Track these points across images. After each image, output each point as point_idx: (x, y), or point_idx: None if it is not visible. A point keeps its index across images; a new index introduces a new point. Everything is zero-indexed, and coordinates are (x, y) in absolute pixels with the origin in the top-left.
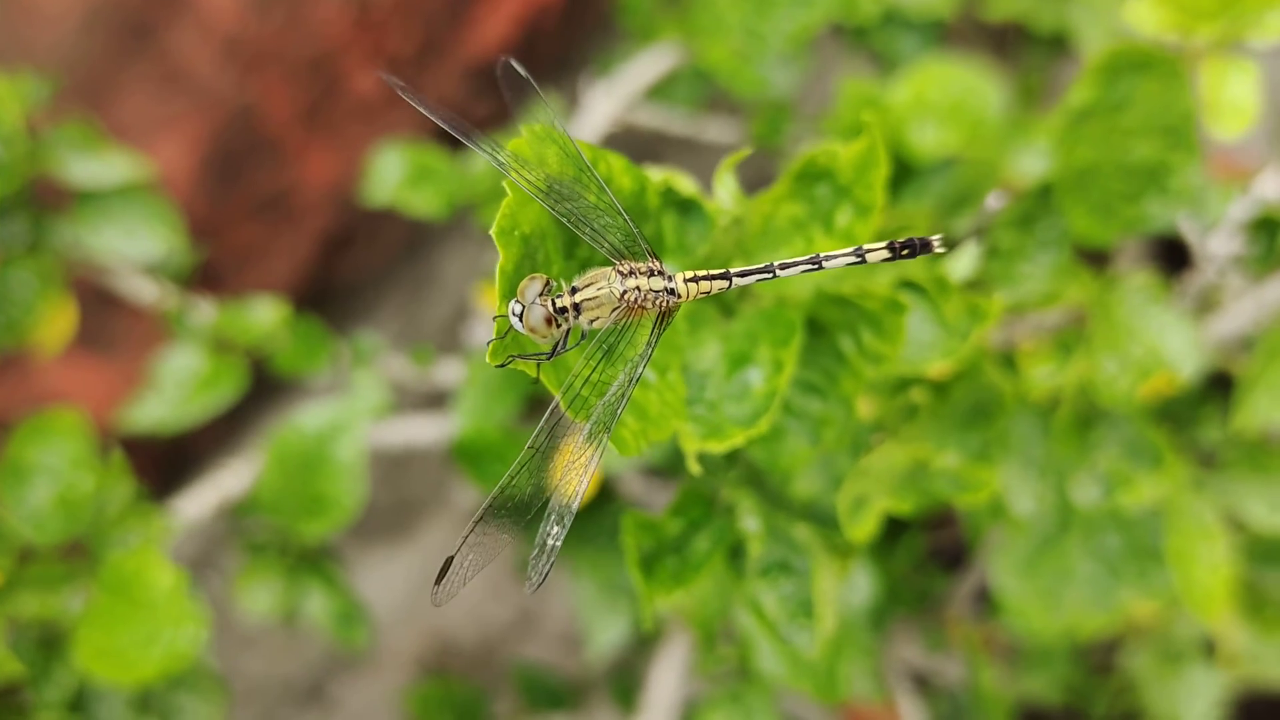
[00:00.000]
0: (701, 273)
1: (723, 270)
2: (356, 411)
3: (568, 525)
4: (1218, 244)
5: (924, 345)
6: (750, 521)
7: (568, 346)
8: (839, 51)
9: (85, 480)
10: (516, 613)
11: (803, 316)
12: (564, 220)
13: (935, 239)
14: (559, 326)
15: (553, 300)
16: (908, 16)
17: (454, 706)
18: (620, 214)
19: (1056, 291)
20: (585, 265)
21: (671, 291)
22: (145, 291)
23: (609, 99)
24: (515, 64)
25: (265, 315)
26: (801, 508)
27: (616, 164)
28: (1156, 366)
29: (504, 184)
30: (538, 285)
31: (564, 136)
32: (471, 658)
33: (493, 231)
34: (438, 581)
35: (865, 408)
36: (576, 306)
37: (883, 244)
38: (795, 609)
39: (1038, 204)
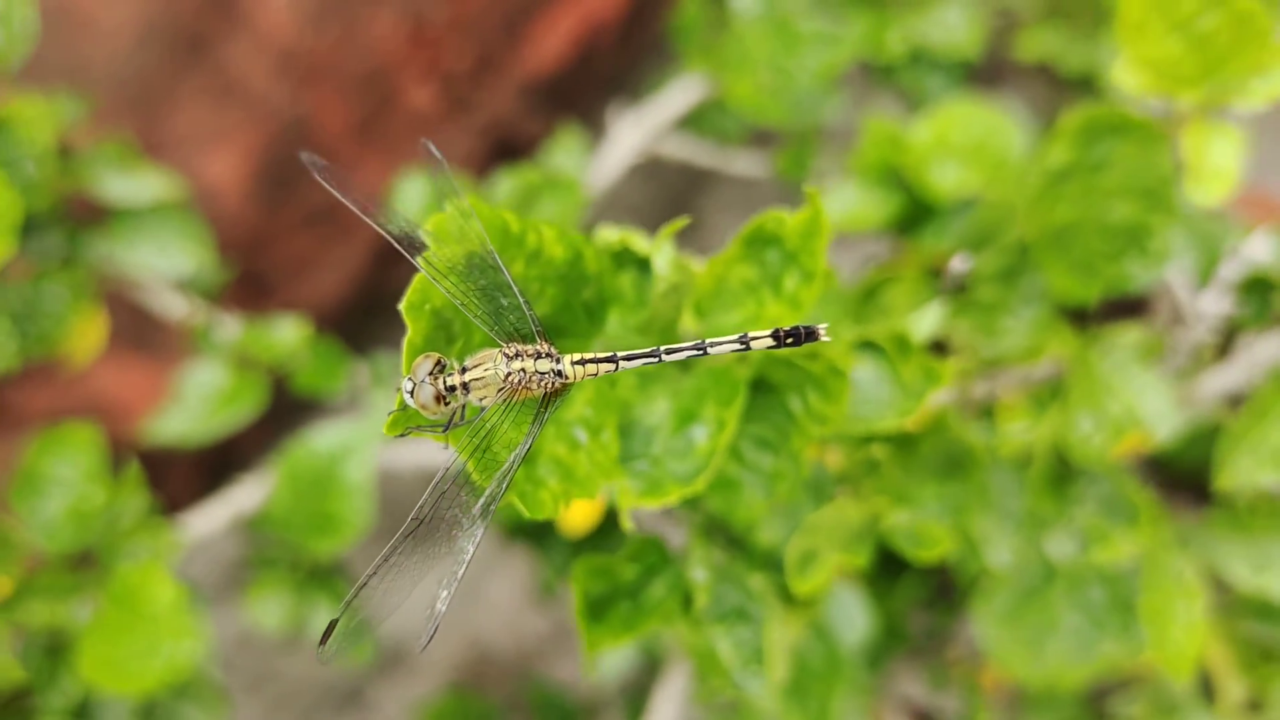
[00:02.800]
0: (589, 355)
1: (609, 354)
2: (367, 433)
3: (454, 590)
4: (1208, 303)
5: (880, 404)
6: (699, 572)
7: (465, 420)
8: (869, 88)
9: (97, 493)
10: (553, 626)
11: (750, 376)
12: (458, 303)
13: (821, 327)
14: (448, 404)
15: (444, 379)
16: (934, 56)
17: None
18: (515, 293)
19: (1038, 345)
20: (509, 338)
21: (559, 373)
22: (175, 306)
23: (636, 129)
24: (431, 146)
25: (288, 334)
26: (762, 556)
27: (549, 233)
28: (1132, 425)
29: (418, 261)
30: (428, 364)
31: (489, 211)
32: (506, 668)
33: (401, 306)
34: (322, 642)
35: (832, 459)
36: (465, 385)
37: (768, 332)
38: (749, 655)
39: (1019, 259)
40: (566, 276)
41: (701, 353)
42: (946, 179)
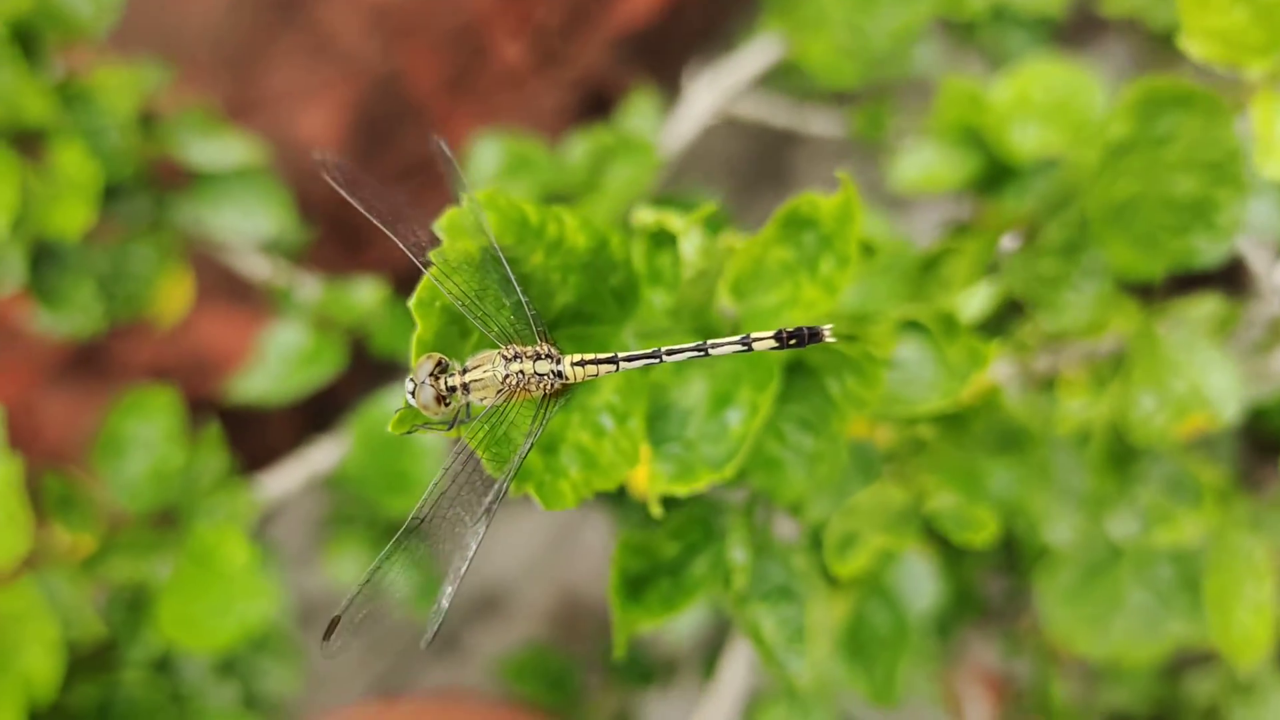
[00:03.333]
0: (589, 356)
1: (610, 355)
2: None
3: (458, 586)
4: None
5: (924, 385)
6: (738, 552)
7: (470, 417)
8: (949, 46)
9: (176, 454)
10: None
11: (787, 358)
12: (458, 304)
13: (826, 329)
14: (449, 404)
15: (445, 380)
16: (1016, 13)
17: (546, 676)
18: (517, 291)
19: (1101, 320)
20: (510, 338)
21: (559, 374)
22: (259, 267)
23: (712, 90)
24: (442, 144)
25: (366, 295)
26: (810, 533)
27: (570, 222)
28: (1197, 405)
29: (425, 258)
30: (429, 365)
31: (507, 202)
32: (598, 616)
33: (411, 303)
34: (325, 638)
35: (881, 435)
36: (465, 386)
37: (770, 334)
38: (792, 634)
39: (1080, 233)
40: (590, 265)
41: (703, 353)
42: (1027, 139)
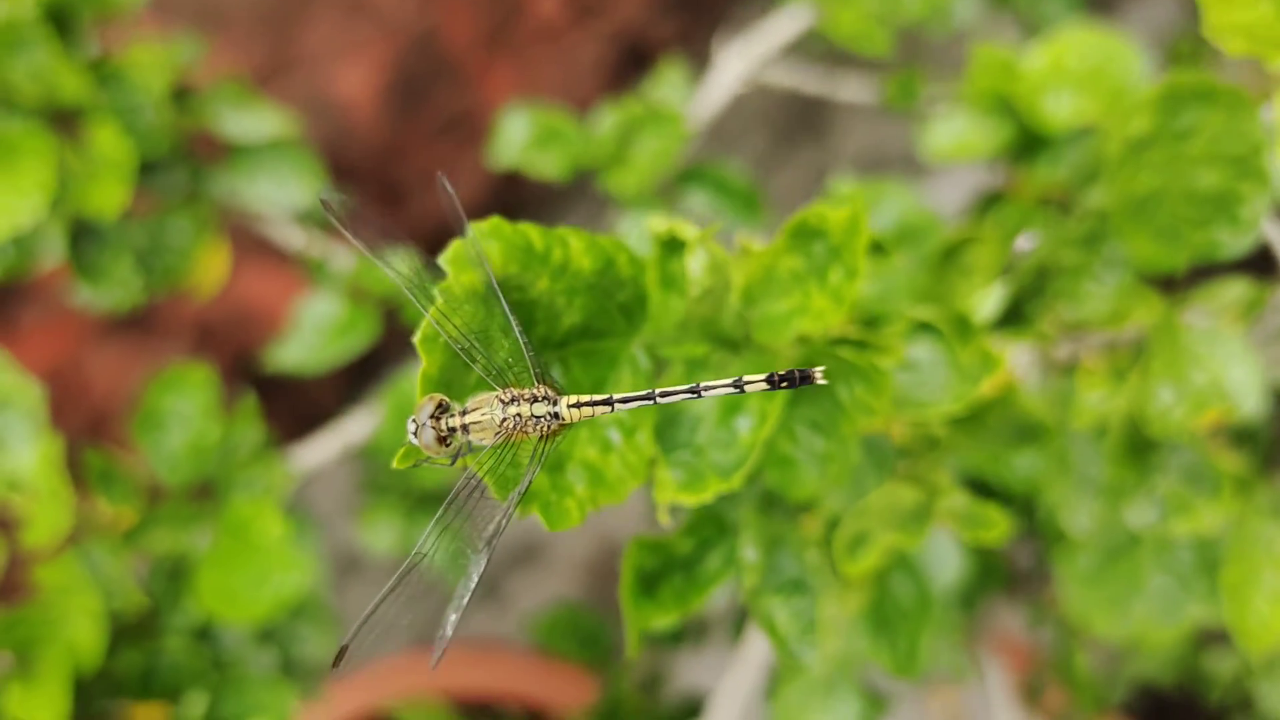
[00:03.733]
0: (585, 399)
1: (605, 397)
2: None
3: (461, 615)
4: None
5: (936, 387)
6: (749, 551)
7: (471, 451)
8: (985, 13)
9: (213, 429)
10: None
11: (799, 364)
12: (457, 348)
13: (817, 371)
14: (450, 444)
15: (445, 420)
16: None
17: (579, 634)
18: (515, 330)
19: (1122, 311)
20: (506, 381)
21: (555, 416)
22: (293, 238)
23: (741, 59)
24: (444, 180)
25: (401, 267)
26: (826, 525)
27: (576, 245)
28: (1216, 398)
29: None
30: (430, 406)
31: (512, 230)
32: None
33: (415, 339)
34: (335, 664)
35: (897, 429)
36: (465, 427)
37: (762, 376)
38: (805, 626)
39: (1101, 224)
40: (596, 286)
41: (696, 395)
42: (1061, 108)
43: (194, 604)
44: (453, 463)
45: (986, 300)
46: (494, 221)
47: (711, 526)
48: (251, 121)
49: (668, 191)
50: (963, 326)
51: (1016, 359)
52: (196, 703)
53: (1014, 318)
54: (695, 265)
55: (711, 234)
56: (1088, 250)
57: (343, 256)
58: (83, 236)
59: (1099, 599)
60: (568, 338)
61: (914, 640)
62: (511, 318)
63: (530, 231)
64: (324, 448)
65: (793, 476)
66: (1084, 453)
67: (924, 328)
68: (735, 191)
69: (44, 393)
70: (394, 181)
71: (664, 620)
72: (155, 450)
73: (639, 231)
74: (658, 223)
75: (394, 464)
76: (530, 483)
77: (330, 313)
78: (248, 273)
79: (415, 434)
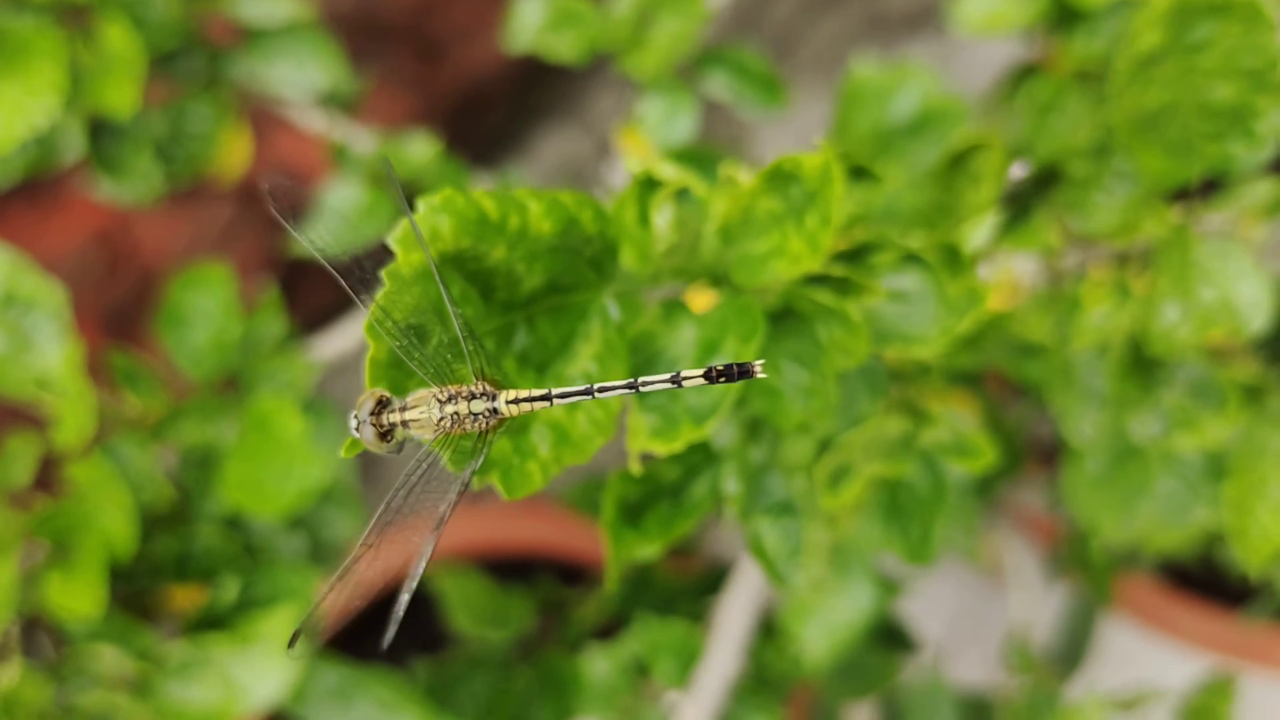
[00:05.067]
0: (523, 394)
1: (544, 392)
2: None
3: (410, 596)
4: None
5: (923, 320)
6: (730, 483)
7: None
8: None
9: (234, 325)
10: None
11: (776, 306)
12: (395, 347)
13: (757, 365)
14: (391, 439)
15: (386, 416)
16: None
17: None
18: (457, 325)
19: (1131, 223)
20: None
21: (494, 412)
22: (315, 121)
23: None
24: (389, 166)
25: (419, 150)
26: (819, 443)
27: (535, 209)
28: (1224, 316)
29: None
30: (370, 404)
31: (464, 201)
32: None
33: (364, 325)
34: (290, 645)
35: (892, 352)
36: (405, 423)
37: (699, 371)
38: (793, 548)
39: (1109, 137)
40: (559, 247)
41: (634, 390)
42: None
43: (224, 492)
44: (399, 451)
45: (977, 231)
46: (445, 194)
47: (699, 453)
48: (268, 4)
49: (687, 74)
50: (952, 258)
51: (1022, 268)
52: (230, 587)
53: (1019, 223)
54: (661, 221)
55: (676, 189)
56: (1097, 161)
57: (365, 140)
58: (101, 131)
59: (1105, 501)
60: (532, 298)
61: (928, 528)
62: (453, 310)
63: (484, 201)
64: (347, 336)
65: (779, 406)
66: (1087, 364)
67: (912, 259)
68: (755, 75)
69: (64, 297)
70: (432, 34)
71: (648, 550)
72: (180, 346)
73: (657, 114)
74: (634, 164)
75: (341, 454)
76: (473, 474)
77: (353, 197)
78: (285, 137)
79: (356, 430)
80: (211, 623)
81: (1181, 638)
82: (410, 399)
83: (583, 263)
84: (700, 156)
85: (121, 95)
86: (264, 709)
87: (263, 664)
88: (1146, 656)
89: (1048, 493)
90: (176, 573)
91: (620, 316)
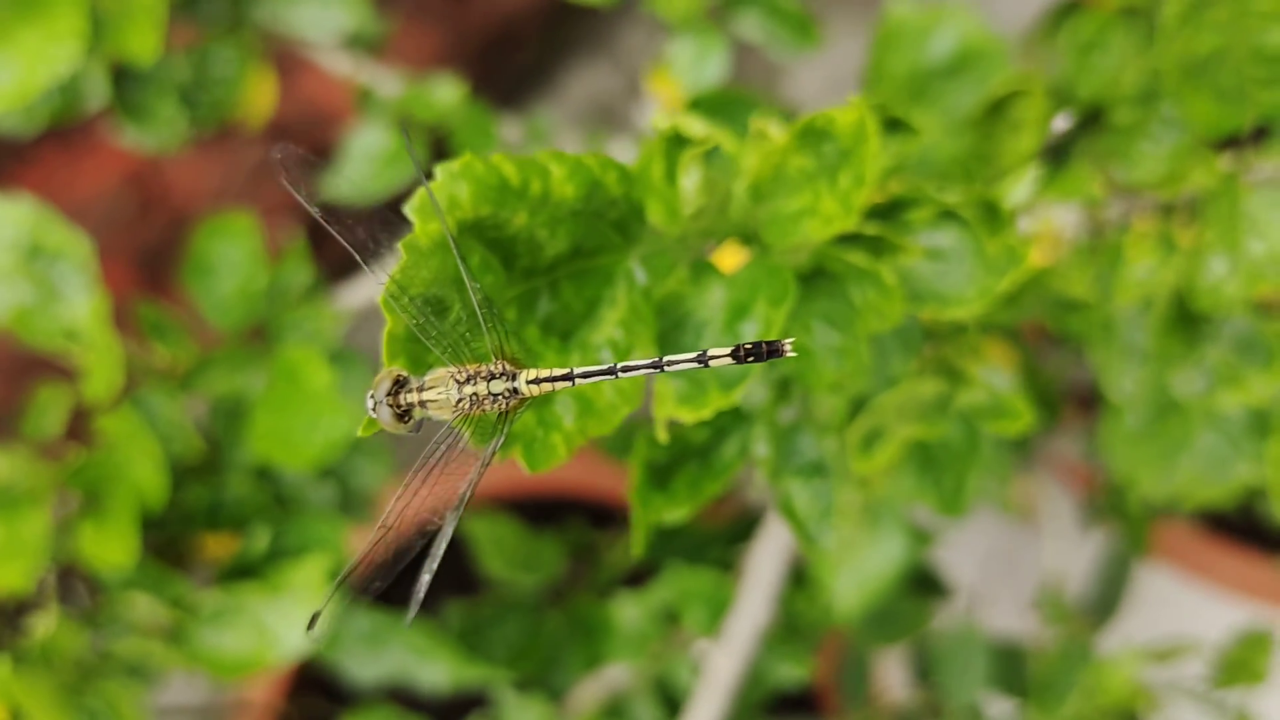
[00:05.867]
0: (544, 373)
1: (566, 371)
2: None
3: (432, 575)
4: None
5: (960, 279)
6: (761, 446)
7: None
8: None
9: (260, 275)
10: None
11: (808, 267)
12: (413, 325)
13: (786, 343)
14: (409, 419)
15: (403, 396)
16: None
17: None
18: (475, 303)
19: (1179, 172)
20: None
21: (514, 392)
22: (341, 64)
23: None
24: (405, 134)
25: (445, 93)
26: (852, 402)
27: (558, 172)
28: (1273, 270)
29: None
30: (387, 383)
31: (484, 168)
32: None
33: (380, 299)
34: (309, 627)
35: (927, 310)
36: (423, 403)
37: (727, 350)
38: (824, 509)
39: (1157, 83)
40: (583, 212)
41: (659, 369)
42: None
43: (253, 444)
44: (419, 431)
45: (1018, 187)
46: (464, 160)
47: (728, 414)
48: None
49: (718, 14)
50: (991, 214)
51: (1063, 220)
52: (261, 536)
53: (1060, 171)
54: (689, 184)
55: (703, 150)
56: (1143, 108)
57: (389, 83)
58: (125, 77)
59: (1144, 456)
60: (555, 263)
61: (961, 479)
62: (471, 285)
63: (504, 166)
64: (373, 285)
65: (810, 366)
66: (1129, 320)
67: (949, 215)
68: (787, 14)
69: (90, 247)
70: None
71: (676, 513)
72: (206, 296)
73: (687, 56)
74: (661, 120)
75: (359, 433)
76: (495, 452)
77: (379, 142)
78: (314, 77)
79: (373, 410)
80: (243, 571)
81: (1220, 583)
82: (428, 378)
83: (607, 226)
84: (731, 101)
85: (143, 41)
86: (296, 655)
87: (294, 612)
88: (1183, 601)
89: (1085, 441)
90: (208, 521)
91: (647, 280)
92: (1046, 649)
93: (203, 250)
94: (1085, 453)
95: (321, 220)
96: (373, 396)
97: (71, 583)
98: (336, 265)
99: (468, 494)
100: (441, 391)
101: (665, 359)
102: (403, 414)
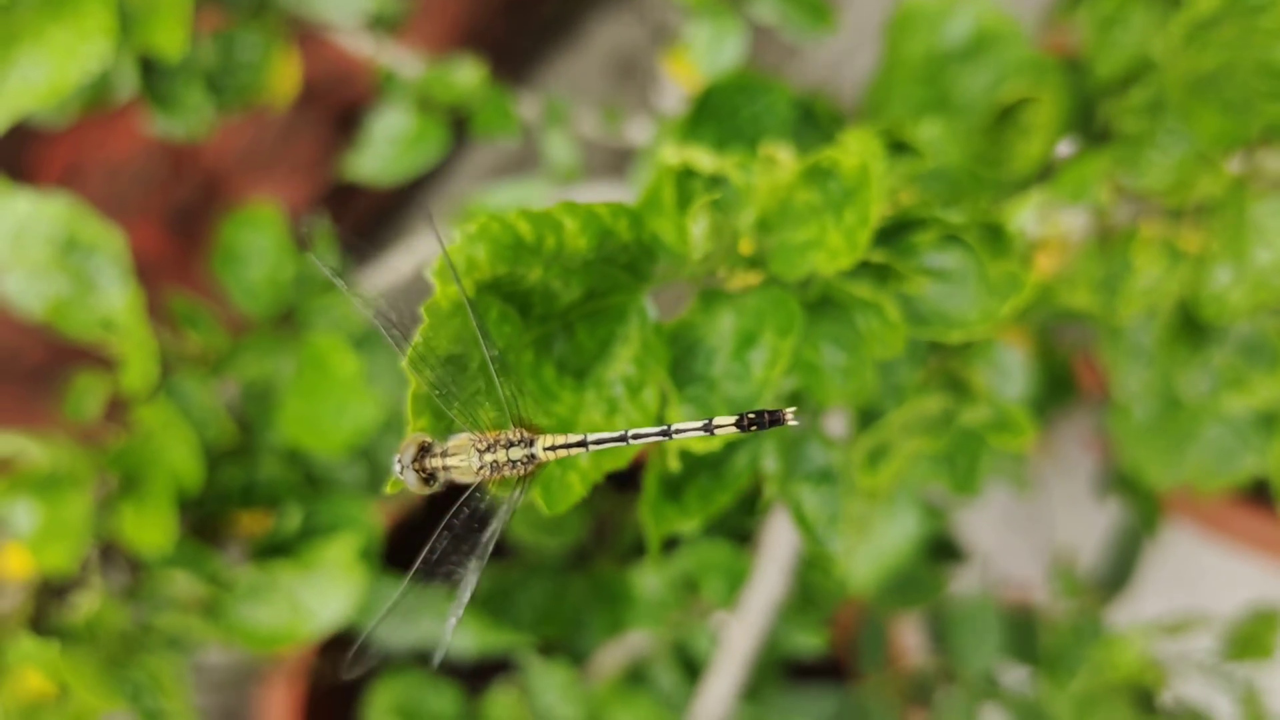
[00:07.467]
0: (559, 440)
1: (580, 438)
2: (539, 190)
3: (458, 620)
4: None
5: (964, 303)
6: (769, 461)
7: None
8: None
9: (288, 263)
10: None
11: (814, 298)
12: (434, 389)
13: (788, 412)
14: (434, 483)
15: (427, 461)
16: None
17: None
18: (492, 371)
19: (1186, 181)
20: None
21: (531, 458)
22: (363, 46)
23: None
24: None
25: (466, 75)
26: (860, 414)
27: (571, 226)
28: (1278, 279)
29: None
30: (412, 450)
31: (499, 225)
32: None
33: (403, 364)
34: (346, 670)
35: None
36: (446, 468)
37: (731, 419)
38: (832, 516)
39: (1164, 95)
40: (594, 261)
41: (667, 436)
42: None
43: (283, 428)
44: (444, 490)
45: (1023, 209)
46: (480, 222)
47: None
48: None
49: None
50: (995, 237)
51: (1071, 223)
52: (293, 515)
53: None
54: (698, 230)
55: (710, 201)
56: (1152, 118)
57: (411, 65)
58: (153, 68)
59: (1153, 448)
60: (569, 308)
61: (974, 459)
62: (488, 354)
63: (519, 224)
64: (399, 267)
65: (819, 382)
66: (1136, 323)
67: (953, 239)
68: None
69: (124, 242)
70: None
71: (687, 525)
72: (236, 283)
73: (704, 39)
74: (669, 154)
75: (386, 490)
76: (514, 507)
77: (401, 124)
78: (332, 58)
79: (400, 473)
80: (276, 549)
81: (1239, 539)
82: (451, 444)
83: (619, 270)
84: (746, 86)
85: (170, 37)
86: (330, 629)
87: (327, 587)
88: (1203, 559)
89: (1100, 413)
90: (242, 500)
91: (658, 314)
92: (1058, 623)
93: (232, 239)
94: (1099, 425)
95: (349, 296)
96: (399, 461)
97: (114, 555)
98: (365, 213)
99: (490, 543)
100: (464, 459)
101: (673, 426)
102: (427, 478)
